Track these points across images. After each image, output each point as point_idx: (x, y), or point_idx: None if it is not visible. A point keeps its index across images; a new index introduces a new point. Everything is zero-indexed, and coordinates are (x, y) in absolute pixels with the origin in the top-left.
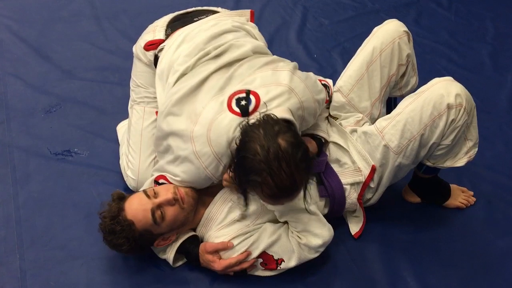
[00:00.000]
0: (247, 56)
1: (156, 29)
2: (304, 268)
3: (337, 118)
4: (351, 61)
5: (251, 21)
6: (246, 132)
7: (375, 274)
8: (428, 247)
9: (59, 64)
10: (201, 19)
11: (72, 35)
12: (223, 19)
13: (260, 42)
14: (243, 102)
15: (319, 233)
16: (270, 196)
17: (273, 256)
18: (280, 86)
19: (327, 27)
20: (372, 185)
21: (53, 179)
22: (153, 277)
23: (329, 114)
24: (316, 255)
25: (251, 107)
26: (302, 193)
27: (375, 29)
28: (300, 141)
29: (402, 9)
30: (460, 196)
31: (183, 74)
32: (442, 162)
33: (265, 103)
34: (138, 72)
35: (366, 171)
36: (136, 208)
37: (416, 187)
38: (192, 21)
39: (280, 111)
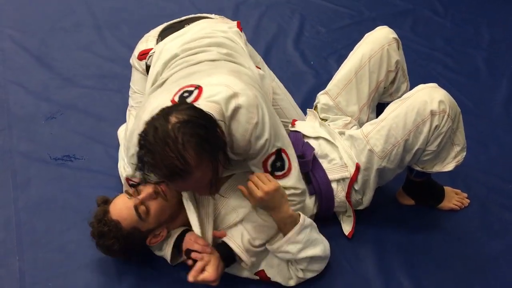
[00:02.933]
0: (214, 58)
1: (148, 39)
2: None
3: (326, 120)
4: (341, 65)
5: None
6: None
7: (369, 275)
8: (422, 248)
9: (60, 72)
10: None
11: (73, 44)
12: (203, 26)
13: (233, 44)
14: (185, 94)
15: (317, 269)
16: (165, 177)
17: (270, 279)
18: (227, 88)
19: (324, 35)
20: (356, 187)
21: (52, 184)
22: (151, 279)
23: (319, 117)
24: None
25: (189, 99)
26: None
27: (366, 35)
28: (195, 119)
29: (399, 16)
30: (454, 198)
31: (154, 82)
32: (430, 167)
33: (203, 98)
34: (135, 79)
35: (352, 169)
36: (120, 207)
37: (409, 190)
38: (183, 28)
39: (207, 106)
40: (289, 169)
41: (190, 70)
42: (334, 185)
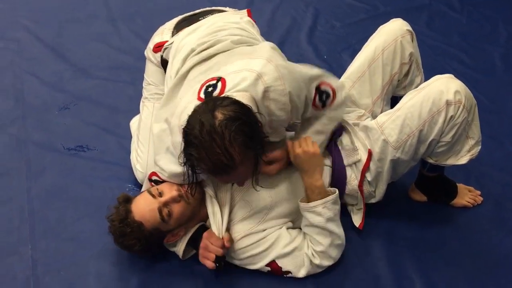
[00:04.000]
0: (228, 48)
1: (164, 32)
2: None
3: None
4: (355, 58)
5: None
6: (194, 109)
7: (380, 271)
8: (434, 245)
9: (74, 63)
10: (206, 18)
11: (88, 35)
12: (217, 19)
13: (247, 33)
14: (210, 89)
15: (334, 256)
16: (209, 171)
17: (281, 268)
18: (249, 72)
19: (338, 29)
20: (369, 177)
21: (66, 173)
22: (161, 269)
23: None
24: (322, 270)
25: (215, 93)
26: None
27: (380, 27)
28: (240, 115)
29: (414, 11)
30: (467, 195)
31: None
32: (444, 159)
33: (229, 89)
34: (149, 71)
35: (364, 155)
36: (143, 208)
37: (422, 186)
38: (197, 21)
39: (239, 96)
40: (333, 92)
41: (207, 64)
42: (348, 171)
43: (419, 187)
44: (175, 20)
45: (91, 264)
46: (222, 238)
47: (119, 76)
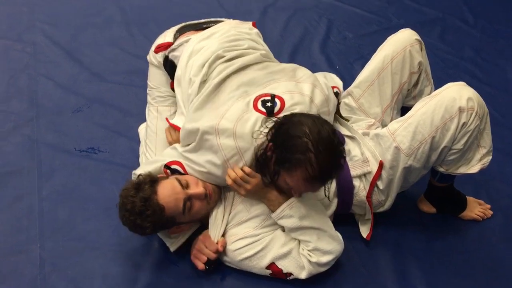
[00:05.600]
0: (258, 61)
1: (166, 34)
2: None
3: (349, 120)
4: (364, 67)
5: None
6: (290, 119)
7: (386, 280)
8: (441, 256)
9: (88, 67)
10: (209, 26)
11: (103, 40)
12: (229, 28)
13: (262, 46)
14: (268, 104)
15: (330, 250)
16: (308, 177)
17: (282, 270)
18: (303, 96)
19: (351, 40)
20: (381, 186)
21: (76, 174)
22: (168, 270)
23: (341, 115)
24: (327, 268)
25: (276, 108)
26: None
27: (389, 37)
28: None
29: (427, 24)
30: (476, 208)
31: (202, 82)
32: (455, 168)
33: (288, 107)
34: (152, 75)
35: (375, 167)
36: (170, 195)
37: (431, 197)
38: (201, 27)
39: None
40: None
41: (245, 76)
42: (356, 182)
43: (428, 198)
44: (178, 26)
45: (98, 264)
46: (217, 243)
47: (132, 81)
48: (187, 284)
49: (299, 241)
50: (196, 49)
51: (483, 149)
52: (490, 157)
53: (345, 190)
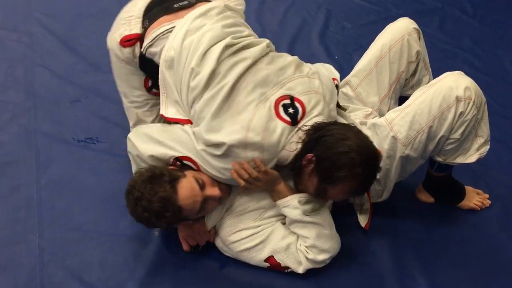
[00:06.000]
0: (265, 52)
1: (131, 21)
2: None
3: (346, 109)
4: (362, 56)
5: None
6: (328, 129)
7: (385, 271)
8: (440, 246)
9: (86, 57)
10: (182, 5)
11: (100, 30)
12: (223, 7)
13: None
14: (290, 110)
15: (327, 248)
16: (351, 191)
17: (280, 264)
18: (317, 95)
19: (349, 30)
20: (378, 175)
21: (74, 165)
22: (166, 260)
23: (338, 105)
24: (323, 265)
25: (299, 115)
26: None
27: (387, 26)
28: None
29: (426, 14)
30: (475, 198)
31: (210, 78)
32: (453, 158)
33: (309, 111)
34: (119, 73)
35: None
36: (189, 197)
37: (429, 187)
38: (172, 8)
39: (321, 119)
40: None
41: (258, 74)
42: None
43: (426, 188)
44: (142, 6)
45: (96, 254)
46: (210, 232)
47: None
48: (186, 273)
49: (298, 236)
50: (193, 28)
51: (480, 139)
52: (488, 147)
53: None
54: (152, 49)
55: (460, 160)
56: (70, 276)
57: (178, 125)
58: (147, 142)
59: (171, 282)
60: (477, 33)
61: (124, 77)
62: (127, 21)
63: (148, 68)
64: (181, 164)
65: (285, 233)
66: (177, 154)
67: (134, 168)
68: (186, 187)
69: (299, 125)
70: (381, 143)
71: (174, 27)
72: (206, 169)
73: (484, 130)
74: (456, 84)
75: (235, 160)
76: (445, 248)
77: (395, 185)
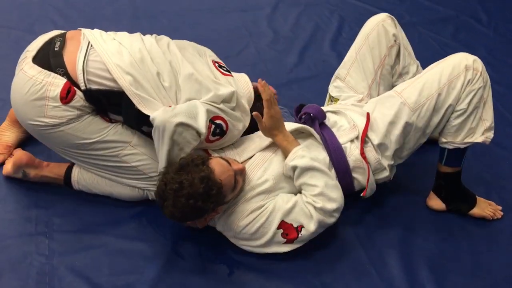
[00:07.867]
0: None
1: (50, 78)
2: (322, 270)
3: (338, 100)
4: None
5: None
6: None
7: (394, 279)
8: (450, 256)
9: None
10: (60, 45)
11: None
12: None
13: None
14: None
15: (335, 198)
16: None
17: (292, 225)
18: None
19: None
20: (375, 140)
21: None
22: (175, 264)
23: (330, 96)
24: (333, 220)
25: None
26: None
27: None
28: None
29: (440, 23)
30: (487, 208)
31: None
32: (460, 138)
33: None
34: (76, 131)
35: (362, 125)
36: (224, 171)
37: (439, 189)
38: (54, 51)
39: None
40: None
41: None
42: (347, 145)
43: (436, 191)
44: (31, 55)
45: (105, 256)
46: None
47: None
48: (194, 277)
49: (302, 193)
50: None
51: (486, 122)
52: (492, 134)
53: (337, 155)
54: (91, 78)
55: (467, 139)
56: (79, 277)
57: (194, 100)
58: (183, 114)
59: (179, 285)
60: (491, 42)
61: (85, 129)
62: (38, 80)
63: (96, 97)
64: (215, 125)
65: (288, 197)
66: (211, 116)
67: (164, 153)
68: (218, 163)
69: None
70: (387, 110)
71: (86, 50)
72: (232, 122)
73: (489, 113)
74: (465, 57)
75: (240, 108)
76: (456, 258)
77: (404, 192)
